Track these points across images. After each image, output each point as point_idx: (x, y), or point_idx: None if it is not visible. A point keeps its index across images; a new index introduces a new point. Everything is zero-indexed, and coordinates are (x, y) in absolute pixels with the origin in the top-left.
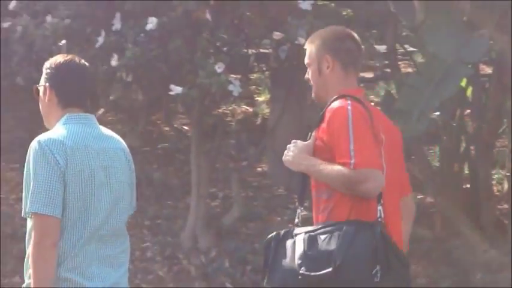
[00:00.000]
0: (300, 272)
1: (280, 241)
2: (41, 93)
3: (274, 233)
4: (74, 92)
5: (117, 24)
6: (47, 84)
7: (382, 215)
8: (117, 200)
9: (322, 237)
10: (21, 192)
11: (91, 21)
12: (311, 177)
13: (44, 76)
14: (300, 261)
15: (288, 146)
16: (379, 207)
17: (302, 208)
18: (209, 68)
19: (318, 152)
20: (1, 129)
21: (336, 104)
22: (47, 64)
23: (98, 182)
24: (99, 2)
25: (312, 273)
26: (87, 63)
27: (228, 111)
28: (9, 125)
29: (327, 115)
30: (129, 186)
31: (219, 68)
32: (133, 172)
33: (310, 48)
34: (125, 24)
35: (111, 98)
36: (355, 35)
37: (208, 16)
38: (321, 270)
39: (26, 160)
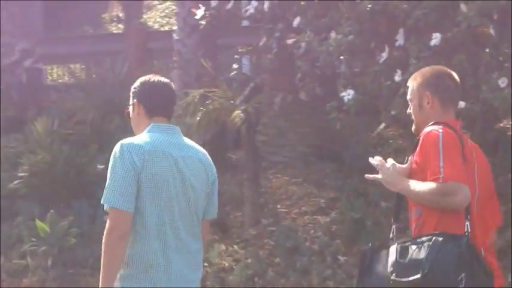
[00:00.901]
0: (392, 278)
1: (376, 251)
2: (131, 112)
3: (370, 244)
4: (158, 104)
5: (400, 40)
6: (135, 100)
7: (469, 229)
8: (191, 203)
9: (413, 247)
10: (303, 206)
11: (374, 37)
12: (408, 198)
13: (131, 96)
14: (391, 269)
15: (385, 165)
16: (467, 223)
17: (397, 225)
18: (492, 83)
19: (413, 174)
20: (284, 143)
21: (428, 129)
22: (133, 86)
23: (172, 185)
24: (382, 18)
25: (403, 279)
26: (168, 81)
27: (509, 126)
28: (292, 139)
29: (421, 139)
30: (204, 192)
31: (502, 83)
32: (213, 181)
33: (412, 85)
34: (408, 39)
35: (392, 113)
36: (454, 74)
37: (491, 31)
38: (410, 277)
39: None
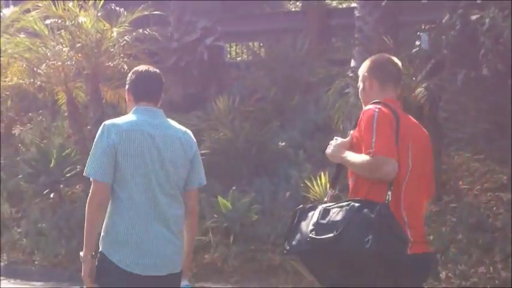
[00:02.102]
0: (309, 235)
1: (304, 212)
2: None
3: (301, 206)
4: (143, 91)
5: None
6: (126, 88)
7: (390, 198)
8: (170, 176)
9: (334, 210)
10: (486, 183)
11: None
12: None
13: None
14: (312, 227)
15: (330, 141)
16: (389, 192)
17: (333, 190)
18: None
19: (354, 147)
20: (466, 120)
21: (367, 107)
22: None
23: (149, 159)
24: None
25: (317, 237)
26: (157, 71)
27: None
28: (473, 116)
29: (360, 116)
30: (183, 166)
31: None
32: (193, 156)
33: (360, 71)
34: None
35: None
36: (395, 59)
37: None
38: (325, 235)
39: None
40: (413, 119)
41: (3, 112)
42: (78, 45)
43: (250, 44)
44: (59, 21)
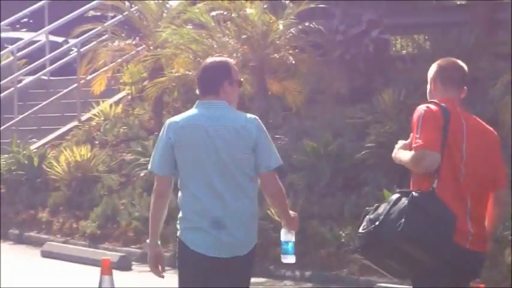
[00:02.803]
0: (359, 231)
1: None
2: None
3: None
4: (201, 86)
5: None
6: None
7: (435, 186)
8: (228, 165)
9: (382, 205)
10: None
11: None
12: None
13: None
14: (365, 223)
15: (395, 145)
16: (435, 181)
17: (399, 190)
18: None
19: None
20: None
21: (419, 107)
22: None
23: (204, 151)
24: None
25: (362, 231)
26: (215, 62)
27: None
28: None
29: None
30: (244, 154)
31: None
32: (255, 143)
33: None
34: None
35: None
36: (459, 63)
37: None
38: (368, 228)
39: None
40: (478, 119)
41: (170, 103)
42: (244, 37)
43: (416, 37)
44: (225, 13)
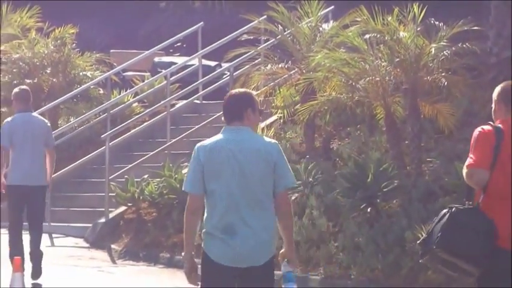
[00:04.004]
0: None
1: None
2: None
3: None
4: (226, 114)
5: None
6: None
7: (480, 201)
8: (249, 181)
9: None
10: None
11: None
12: None
13: None
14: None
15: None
16: (481, 196)
17: (467, 202)
18: None
19: None
20: None
21: (476, 129)
22: None
23: (230, 172)
24: None
25: (419, 241)
26: (239, 92)
27: None
28: None
29: None
30: (265, 174)
31: None
32: (275, 163)
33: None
34: None
35: None
36: None
37: None
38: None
39: None
40: None
41: (322, 126)
42: (397, 60)
43: None
44: (378, 35)
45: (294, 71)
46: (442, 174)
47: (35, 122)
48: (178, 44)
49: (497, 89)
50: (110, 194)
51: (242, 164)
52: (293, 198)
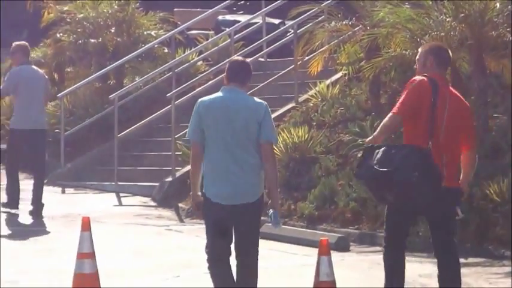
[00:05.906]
0: (374, 167)
1: (371, 150)
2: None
3: (370, 145)
4: (229, 75)
5: None
6: (225, 74)
7: (430, 146)
8: (242, 132)
9: (393, 150)
10: None
11: None
12: None
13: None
14: (375, 162)
15: None
16: (430, 141)
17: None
18: None
19: None
20: None
21: (415, 77)
22: None
23: (225, 123)
24: None
25: (380, 169)
26: (242, 59)
27: None
28: None
29: None
30: (253, 125)
31: None
32: (262, 118)
33: (420, 50)
34: None
35: None
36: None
37: None
38: (385, 168)
39: None
40: (455, 91)
41: (387, 83)
42: (462, 15)
43: None
44: None
45: (358, 27)
46: (508, 130)
47: (37, 74)
48: (242, 2)
49: (430, 47)
50: (176, 153)
51: (234, 116)
52: (359, 155)
